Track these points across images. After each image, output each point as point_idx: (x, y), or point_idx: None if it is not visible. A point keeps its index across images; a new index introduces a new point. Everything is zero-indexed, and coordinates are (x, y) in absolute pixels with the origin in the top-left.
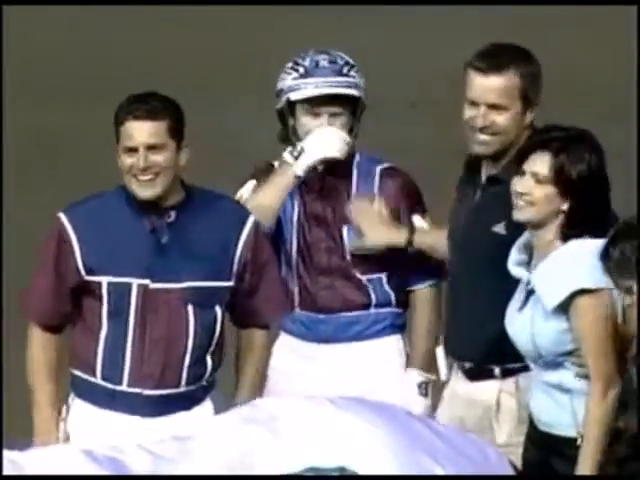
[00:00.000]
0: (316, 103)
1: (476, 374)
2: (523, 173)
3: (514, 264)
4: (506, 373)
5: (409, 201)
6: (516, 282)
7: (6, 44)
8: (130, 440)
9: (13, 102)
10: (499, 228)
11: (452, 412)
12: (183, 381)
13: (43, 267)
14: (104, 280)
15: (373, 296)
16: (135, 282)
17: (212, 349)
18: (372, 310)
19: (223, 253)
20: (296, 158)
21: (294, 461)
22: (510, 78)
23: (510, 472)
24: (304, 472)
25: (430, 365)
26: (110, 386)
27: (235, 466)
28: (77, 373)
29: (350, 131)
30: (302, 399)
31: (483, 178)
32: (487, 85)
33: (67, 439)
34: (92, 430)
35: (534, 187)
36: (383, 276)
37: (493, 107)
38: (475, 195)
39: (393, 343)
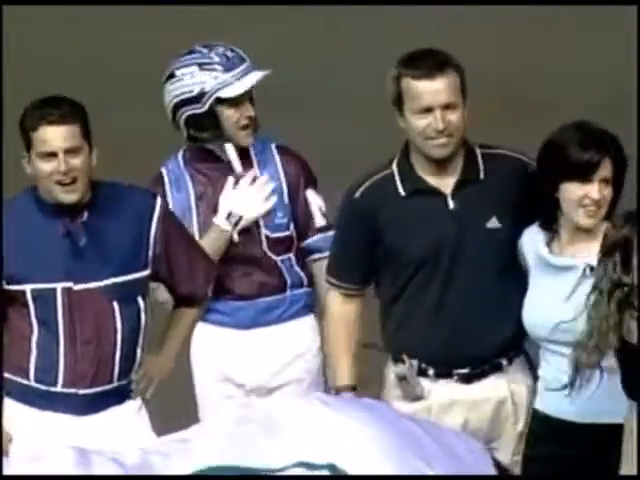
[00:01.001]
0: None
1: (479, 374)
2: (590, 181)
3: (556, 255)
4: (509, 363)
5: (306, 174)
6: (518, 276)
7: (6, 44)
8: (65, 439)
9: (13, 101)
10: (492, 224)
11: (452, 419)
12: (115, 376)
13: None
14: (27, 288)
15: (287, 278)
16: (59, 286)
17: (140, 342)
18: (288, 292)
19: (137, 244)
20: (235, 225)
21: (286, 457)
22: (452, 76)
23: (492, 471)
24: (294, 466)
25: None
26: (44, 388)
27: (230, 460)
28: (10, 377)
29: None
30: (296, 399)
31: (449, 188)
32: (436, 88)
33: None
34: (27, 430)
35: (605, 190)
36: (292, 256)
37: (447, 107)
38: (445, 205)
39: (310, 322)
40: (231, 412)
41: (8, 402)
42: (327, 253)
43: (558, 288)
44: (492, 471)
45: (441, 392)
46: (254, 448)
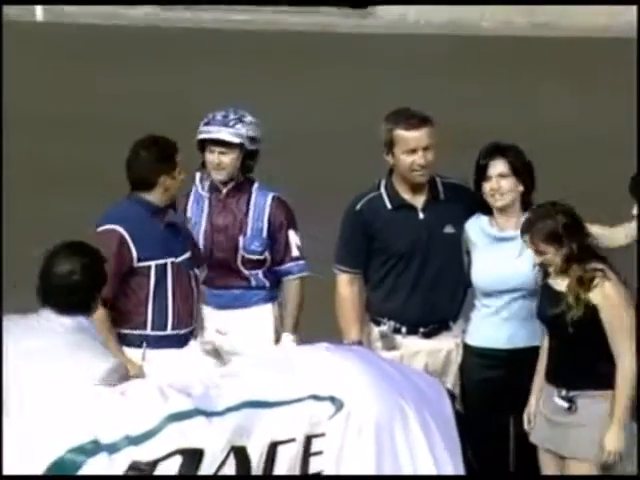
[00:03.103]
0: (212, 143)
1: (435, 332)
2: (488, 178)
3: (499, 231)
4: (454, 324)
5: (289, 219)
6: (462, 265)
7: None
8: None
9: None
10: (448, 229)
11: (418, 364)
12: (193, 321)
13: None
14: (152, 263)
15: (253, 283)
16: (168, 261)
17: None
18: (253, 291)
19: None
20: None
21: (300, 391)
22: (429, 127)
23: (447, 397)
24: (307, 398)
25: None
26: (160, 333)
27: (259, 393)
28: (128, 331)
29: (242, 165)
30: (307, 347)
31: (420, 204)
32: (420, 135)
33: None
34: (160, 365)
35: (501, 181)
36: (260, 272)
37: (426, 149)
38: (417, 216)
39: (269, 308)
40: (262, 355)
41: (127, 350)
42: (298, 275)
43: (505, 253)
44: (447, 399)
45: (410, 344)
46: (275, 384)
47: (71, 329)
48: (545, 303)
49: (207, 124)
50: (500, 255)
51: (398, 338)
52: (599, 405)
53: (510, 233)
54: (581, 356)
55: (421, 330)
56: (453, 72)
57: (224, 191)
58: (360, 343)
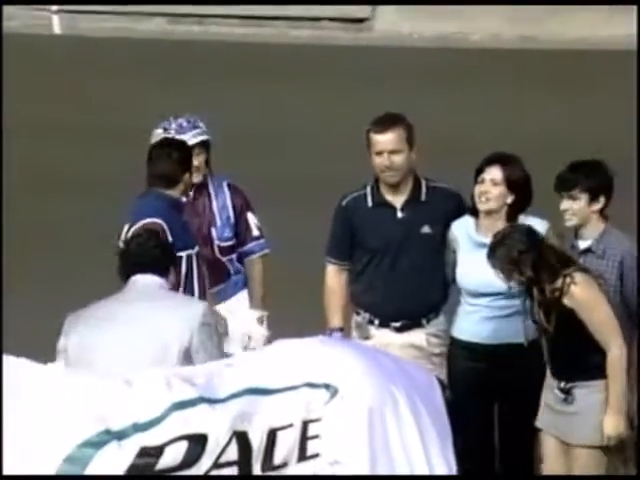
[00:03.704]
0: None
1: (406, 327)
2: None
3: (483, 236)
4: (427, 323)
5: (246, 203)
6: (438, 265)
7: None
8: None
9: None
10: (425, 230)
11: None
12: None
13: None
14: (183, 254)
15: (231, 270)
16: (193, 252)
17: None
18: (232, 278)
19: None
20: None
21: (295, 379)
22: (399, 130)
23: (437, 387)
24: (303, 386)
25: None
26: None
27: (258, 381)
28: None
29: (207, 162)
30: (303, 339)
31: (399, 203)
32: (386, 139)
33: None
34: None
35: (492, 188)
36: (234, 256)
37: (392, 152)
38: (395, 215)
39: (244, 294)
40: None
41: None
42: (260, 254)
43: (476, 254)
44: (437, 387)
45: (382, 337)
46: (273, 373)
47: (162, 285)
48: (529, 306)
49: (179, 133)
50: (483, 259)
51: (371, 329)
52: (595, 395)
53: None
54: (571, 351)
55: (393, 324)
56: (444, 83)
57: (191, 193)
58: (342, 330)
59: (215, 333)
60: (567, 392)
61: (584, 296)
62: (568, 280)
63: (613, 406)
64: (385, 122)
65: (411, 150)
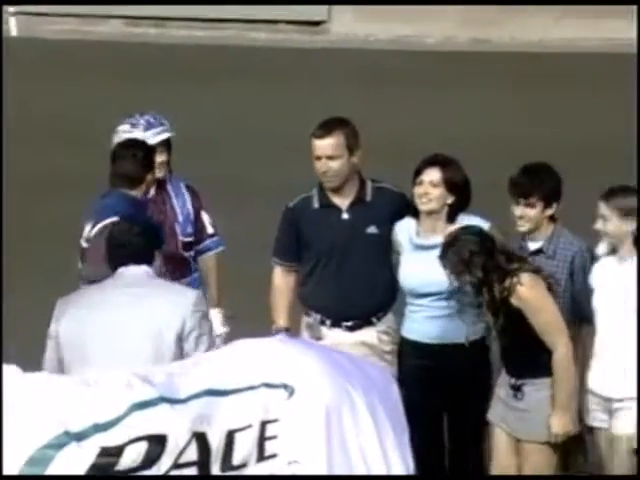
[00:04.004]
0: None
1: (357, 326)
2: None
3: (423, 238)
4: (378, 320)
5: (201, 203)
6: (384, 264)
7: None
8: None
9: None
10: (371, 230)
11: None
12: None
13: None
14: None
15: (193, 267)
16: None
17: None
18: (193, 275)
19: None
20: None
21: (254, 379)
22: (337, 137)
23: (394, 383)
24: (260, 386)
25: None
26: None
27: (217, 382)
28: None
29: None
30: (261, 339)
31: (345, 205)
32: (323, 145)
33: None
34: None
35: (431, 189)
36: (192, 252)
37: (330, 158)
38: (340, 216)
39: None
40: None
41: None
42: (216, 251)
43: (427, 259)
44: (394, 385)
45: (334, 336)
46: (230, 373)
47: (149, 274)
48: (480, 306)
49: (147, 129)
50: (423, 261)
51: (323, 330)
52: (543, 392)
53: (433, 241)
54: (521, 349)
55: (344, 324)
56: (399, 85)
57: (152, 191)
58: (287, 330)
59: (206, 321)
60: (517, 389)
61: (530, 296)
62: (515, 280)
63: (560, 404)
64: (325, 127)
65: (352, 155)
